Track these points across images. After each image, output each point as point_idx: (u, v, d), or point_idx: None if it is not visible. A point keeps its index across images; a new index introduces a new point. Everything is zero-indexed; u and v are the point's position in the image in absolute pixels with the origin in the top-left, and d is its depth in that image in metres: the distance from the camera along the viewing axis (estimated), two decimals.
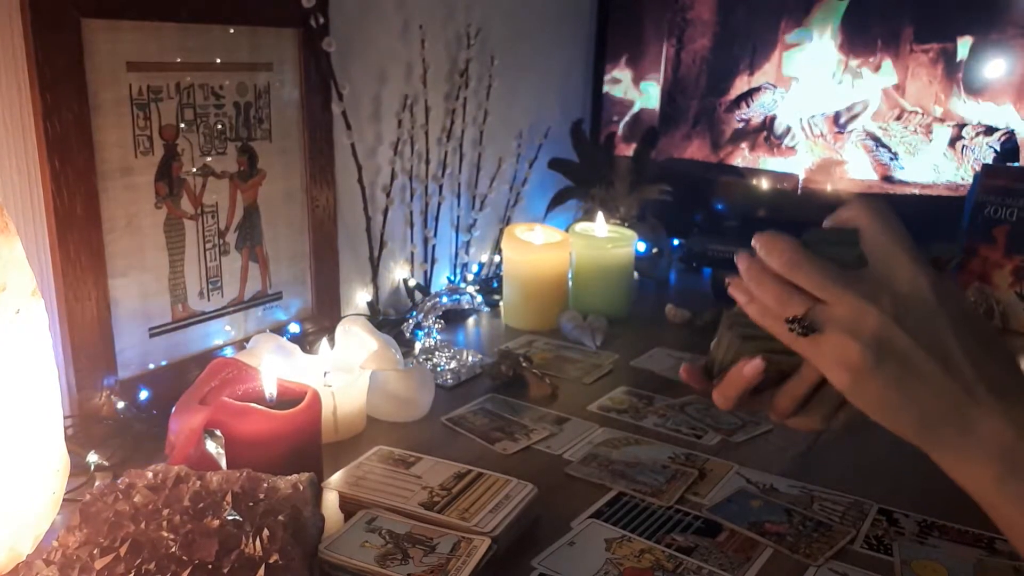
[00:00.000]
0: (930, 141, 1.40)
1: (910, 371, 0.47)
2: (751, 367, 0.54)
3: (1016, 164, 1.33)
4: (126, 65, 0.83)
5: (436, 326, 1.07)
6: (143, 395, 0.86)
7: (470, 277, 1.38)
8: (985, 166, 1.31)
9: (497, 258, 1.41)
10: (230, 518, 0.57)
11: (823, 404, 0.54)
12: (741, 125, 1.58)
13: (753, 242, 0.53)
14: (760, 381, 0.54)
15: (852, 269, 0.50)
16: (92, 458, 0.78)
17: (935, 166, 1.41)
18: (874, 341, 0.48)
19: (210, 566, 0.54)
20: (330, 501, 0.73)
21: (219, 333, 0.98)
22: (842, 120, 1.48)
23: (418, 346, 1.07)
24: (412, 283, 1.26)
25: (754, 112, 1.56)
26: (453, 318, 1.23)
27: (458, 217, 1.35)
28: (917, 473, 0.81)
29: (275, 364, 0.79)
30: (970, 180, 1.36)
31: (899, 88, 1.42)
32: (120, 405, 0.85)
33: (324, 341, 0.93)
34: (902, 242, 0.50)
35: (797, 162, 1.53)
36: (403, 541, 0.65)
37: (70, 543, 0.56)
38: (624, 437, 0.88)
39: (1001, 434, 0.46)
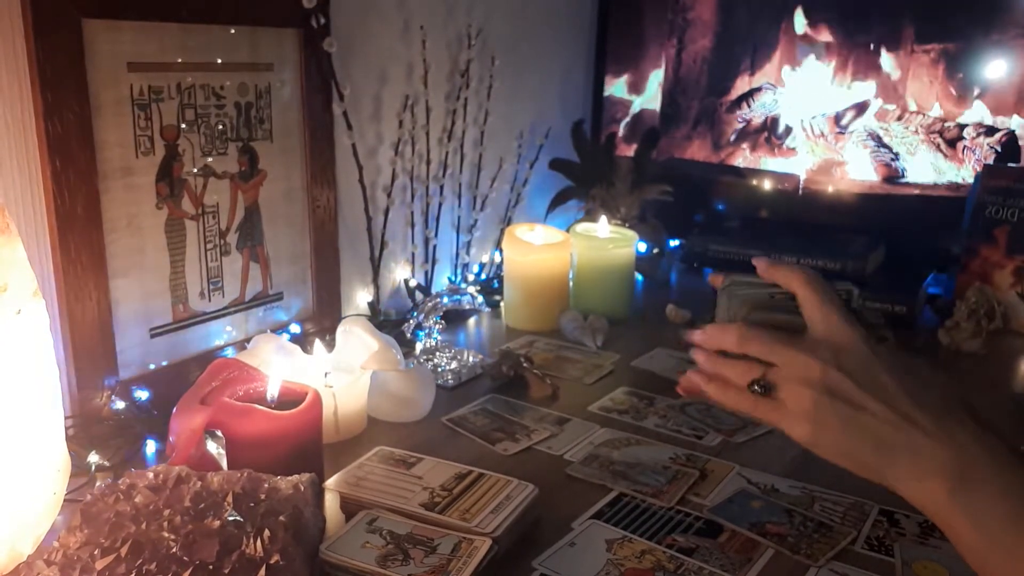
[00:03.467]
0: (930, 141, 1.40)
1: (858, 410, 0.55)
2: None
3: (1016, 164, 1.33)
4: (127, 65, 0.83)
5: (437, 326, 1.07)
6: (144, 395, 0.86)
7: (471, 277, 1.38)
8: (986, 166, 1.31)
9: (498, 258, 1.41)
10: (231, 519, 0.57)
11: None
12: (742, 125, 1.58)
13: (696, 336, 0.63)
14: None
15: (795, 331, 0.58)
16: (93, 458, 0.78)
17: (936, 166, 1.41)
18: (822, 386, 0.55)
19: (211, 567, 0.54)
20: (331, 501, 0.73)
21: (220, 333, 0.98)
22: (843, 120, 1.48)
23: (419, 346, 1.07)
24: (413, 283, 1.26)
25: (755, 112, 1.56)
26: (454, 318, 1.23)
27: (459, 217, 1.35)
28: None
29: (276, 364, 0.79)
30: (971, 180, 1.36)
31: (900, 88, 1.42)
32: (121, 405, 0.85)
33: (323, 342, 0.93)
34: (835, 306, 0.58)
35: (798, 163, 1.53)
36: (404, 542, 0.65)
37: (71, 543, 0.56)
38: (625, 438, 0.88)
39: (944, 453, 0.52)
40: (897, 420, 0.54)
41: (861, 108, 1.46)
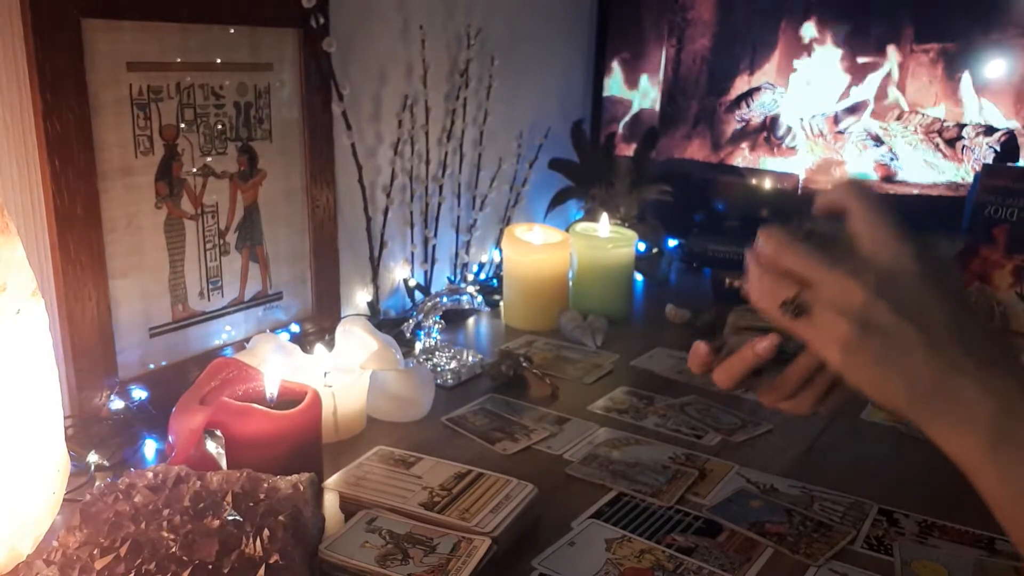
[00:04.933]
0: (929, 141, 1.40)
1: (896, 345, 0.49)
2: (766, 343, 0.56)
3: (1016, 164, 1.33)
4: (126, 65, 0.83)
5: (436, 326, 1.07)
6: (143, 395, 0.86)
7: (470, 277, 1.38)
8: (985, 166, 1.31)
9: (497, 258, 1.41)
10: (230, 518, 0.57)
11: (815, 389, 0.56)
12: (741, 125, 1.58)
13: (757, 236, 0.56)
14: (765, 361, 0.56)
15: (842, 249, 0.52)
16: (92, 458, 0.78)
17: (935, 166, 1.41)
18: (860, 317, 0.49)
19: (210, 566, 0.54)
20: (330, 501, 0.73)
21: (219, 333, 0.98)
22: (842, 120, 1.48)
23: (418, 346, 1.07)
24: (412, 283, 1.26)
25: (754, 112, 1.56)
26: (453, 318, 1.23)
27: (458, 217, 1.35)
28: (917, 473, 0.81)
29: (276, 364, 0.79)
30: (970, 180, 1.36)
31: (899, 88, 1.42)
32: (120, 405, 0.85)
33: (322, 342, 0.93)
34: (886, 218, 0.51)
35: (797, 162, 1.53)
36: (403, 541, 0.65)
37: (70, 543, 0.56)
38: (624, 437, 0.88)
39: (988, 406, 0.47)
40: (941, 364, 0.48)
41: (860, 108, 1.46)
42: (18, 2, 0.74)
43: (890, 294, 0.49)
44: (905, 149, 1.43)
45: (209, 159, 0.93)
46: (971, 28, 1.35)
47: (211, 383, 0.74)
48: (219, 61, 0.92)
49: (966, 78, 1.36)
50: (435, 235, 1.29)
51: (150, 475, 0.61)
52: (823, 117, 1.50)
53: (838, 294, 0.50)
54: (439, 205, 1.28)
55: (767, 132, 1.56)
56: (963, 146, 1.38)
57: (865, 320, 0.49)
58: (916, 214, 1.43)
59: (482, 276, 1.41)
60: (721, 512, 0.73)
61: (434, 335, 1.07)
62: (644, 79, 1.66)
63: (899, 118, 1.43)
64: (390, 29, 1.17)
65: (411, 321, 1.09)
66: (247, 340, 0.95)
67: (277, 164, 1.01)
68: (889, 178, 1.45)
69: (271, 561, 0.55)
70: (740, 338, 0.59)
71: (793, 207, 1.52)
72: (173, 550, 0.54)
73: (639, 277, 1.46)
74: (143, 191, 0.87)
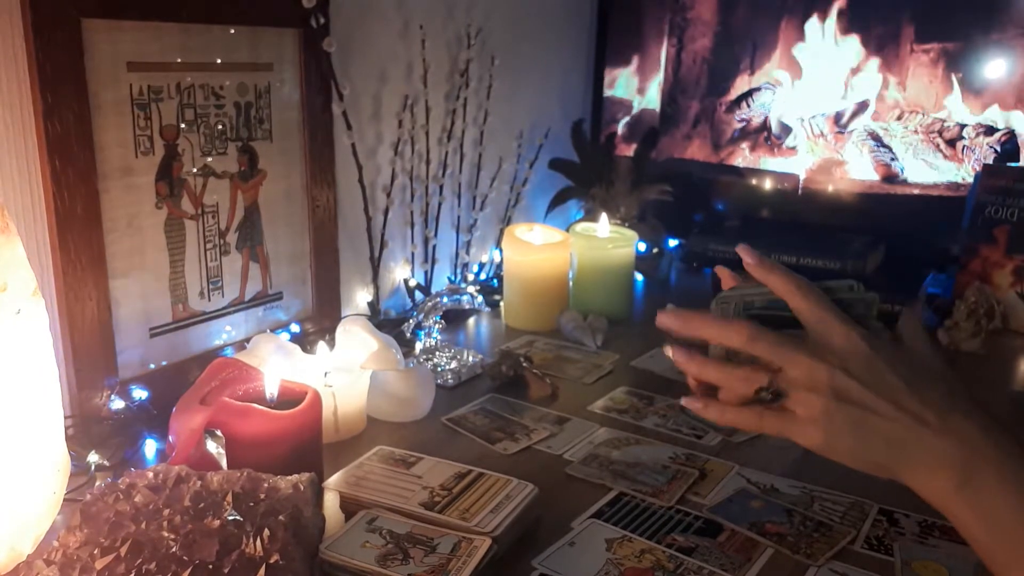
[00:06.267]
0: (929, 141, 1.40)
1: (867, 411, 0.54)
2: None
3: (1016, 164, 1.33)
4: (127, 65, 0.83)
5: (436, 326, 1.07)
6: (143, 395, 0.86)
7: (470, 277, 1.38)
8: (986, 166, 1.31)
9: (497, 258, 1.41)
10: (231, 518, 0.57)
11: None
12: (741, 125, 1.58)
13: (670, 322, 0.60)
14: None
15: (792, 330, 0.57)
16: (92, 458, 0.78)
17: (936, 166, 1.41)
18: (831, 391, 0.55)
19: (211, 566, 0.54)
20: (331, 501, 0.73)
21: (220, 333, 0.98)
22: (842, 120, 1.48)
23: (419, 346, 1.07)
24: (412, 283, 1.26)
25: (754, 112, 1.56)
26: (453, 318, 1.23)
27: (458, 217, 1.35)
28: None
29: (276, 364, 0.79)
30: (971, 180, 1.36)
31: (899, 88, 1.42)
32: (120, 405, 0.85)
33: (323, 342, 0.93)
34: (829, 308, 0.57)
35: (797, 162, 1.53)
36: (404, 541, 0.65)
37: (71, 543, 0.56)
38: (625, 437, 0.88)
39: (951, 450, 0.53)
40: (905, 418, 0.54)
41: (861, 107, 1.46)
42: (18, 2, 0.74)
43: (851, 369, 0.55)
44: (905, 149, 1.43)
45: (209, 159, 0.93)
46: (971, 28, 1.35)
47: (211, 383, 0.74)
48: (219, 61, 0.92)
49: (966, 78, 1.36)
50: (435, 235, 1.29)
51: (150, 475, 0.61)
52: (823, 117, 1.49)
53: (807, 374, 0.55)
54: (439, 205, 1.28)
55: (767, 132, 1.56)
56: (963, 146, 1.38)
57: (836, 393, 0.55)
58: (916, 214, 1.44)
59: (482, 276, 1.41)
60: (721, 512, 0.73)
61: (434, 335, 1.07)
62: (648, 80, 1.66)
63: (899, 118, 1.43)
64: (390, 29, 1.17)
65: (411, 321, 1.09)
66: (247, 340, 0.95)
67: (277, 164, 1.01)
68: (889, 178, 1.45)
69: (271, 561, 0.55)
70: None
71: (793, 207, 1.53)
72: (173, 550, 0.54)
73: (639, 277, 1.46)
74: (143, 191, 0.87)
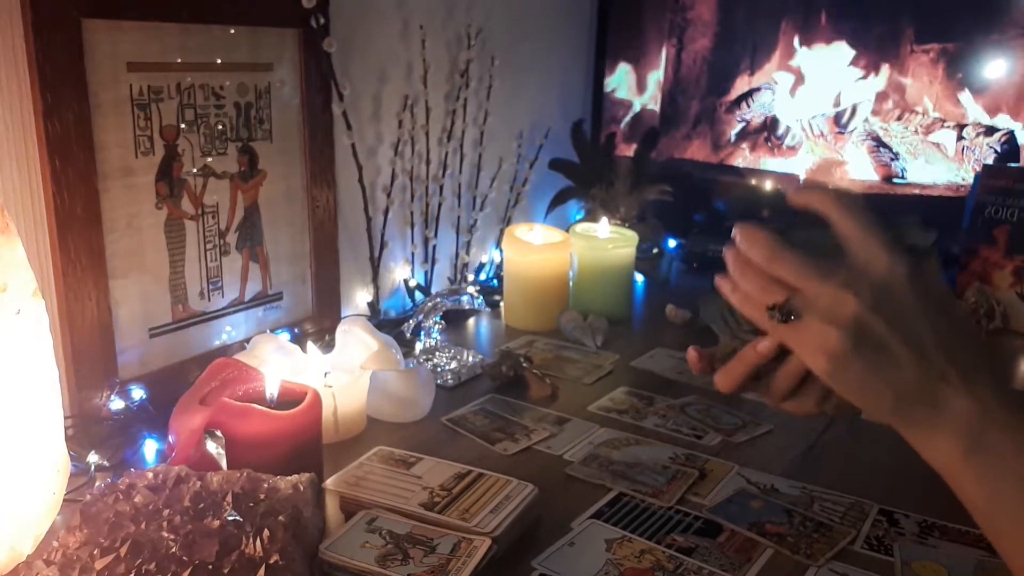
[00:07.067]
0: (930, 141, 1.40)
1: (886, 357, 0.50)
2: (767, 343, 0.55)
3: (1016, 164, 1.33)
4: (127, 65, 0.83)
5: (436, 326, 1.07)
6: (143, 395, 0.86)
7: (470, 277, 1.38)
8: (985, 166, 1.31)
9: (497, 258, 1.41)
10: (230, 518, 0.57)
11: (816, 387, 0.56)
12: (741, 125, 1.58)
13: (733, 233, 0.56)
14: (766, 361, 0.56)
15: (829, 257, 0.52)
16: (92, 458, 0.78)
17: (935, 166, 1.41)
18: (852, 328, 0.50)
19: (210, 566, 0.54)
20: (330, 501, 0.73)
21: (219, 334, 0.98)
22: (842, 120, 1.48)
23: (418, 346, 1.07)
24: (412, 283, 1.26)
25: (754, 112, 1.56)
26: (453, 318, 1.23)
27: (458, 217, 1.35)
28: (917, 473, 0.81)
29: (276, 364, 0.79)
30: (971, 180, 1.36)
31: (899, 88, 1.42)
32: (120, 405, 0.85)
33: (322, 341, 0.93)
34: (876, 231, 0.52)
35: (797, 162, 1.53)
36: (403, 541, 0.65)
37: (70, 543, 0.56)
38: (624, 437, 0.88)
39: (968, 413, 0.49)
40: (926, 374, 0.50)
41: (861, 108, 1.46)
42: (18, 2, 0.74)
43: (882, 309, 0.50)
44: (905, 149, 1.43)
45: (209, 159, 0.93)
46: (971, 28, 1.35)
47: (211, 383, 0.74)
48: (219, 61, 0.92)
49: (966, 78, 1.36)
50: (435, 235, 1.29)
51: (150, 475, 0.61)
52: (823, 117, 1.50)
53: (830, 304, 0.50)
54: (439, 205, 1.28)
55: (767, 132, 1.56)
56: (963, 146, 1.38)
57: (857, 331, 0.50)
58: (916, 214, 1.44)
59: (482, 276, 1.41)
60: (721, 512, 0.73)
61: (434, 335, 1.07)
62: (648, 80, 1.66)
63: (899, 118, 1.43)
64: (390, 29, 1.17)
65: (411, 321, 1.09)
66: (247, 340, 0.95)
67: (277, 164, 1.01)
68: (889, 178, 1.45)
69: (271, 561, 0.55)
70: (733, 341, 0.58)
71: (792, 208, 1.52)
72: (173, 550, 0.54)
73: (639, 277, 1.46)
74: (143, 191, 0.87)
